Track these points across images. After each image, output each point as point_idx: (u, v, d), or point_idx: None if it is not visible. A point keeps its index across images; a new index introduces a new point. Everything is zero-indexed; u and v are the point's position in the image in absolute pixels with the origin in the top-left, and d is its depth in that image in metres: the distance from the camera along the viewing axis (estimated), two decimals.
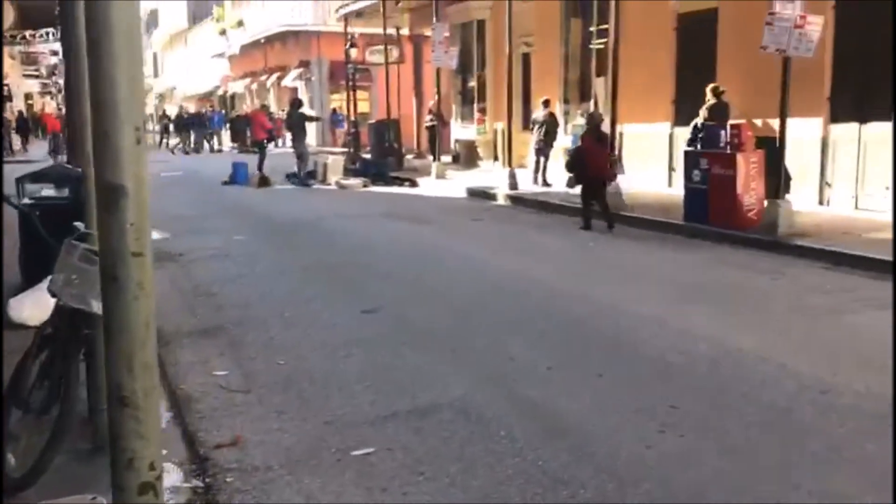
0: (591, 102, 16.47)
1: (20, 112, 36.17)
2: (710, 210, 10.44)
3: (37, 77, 42.83)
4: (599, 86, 16.18)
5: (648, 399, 4.71)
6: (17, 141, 31.72)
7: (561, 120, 17.03)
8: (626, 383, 5.03)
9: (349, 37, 23.91)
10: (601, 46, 15.76)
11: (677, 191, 12.43)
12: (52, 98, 40.65)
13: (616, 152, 13.35)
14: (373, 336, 6.13)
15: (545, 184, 15.59)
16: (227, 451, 4.14)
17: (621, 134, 14.21)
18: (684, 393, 4.82)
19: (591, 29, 16.37)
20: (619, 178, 12.42)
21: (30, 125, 32.00)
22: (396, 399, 4.79)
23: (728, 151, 10.44)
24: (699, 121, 12.08)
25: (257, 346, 5.97)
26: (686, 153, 11.53)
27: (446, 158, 20.97)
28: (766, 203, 10.14)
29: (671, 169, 14.41)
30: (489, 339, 6.03)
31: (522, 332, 6.16)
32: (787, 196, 10.07)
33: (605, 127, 13.37)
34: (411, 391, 4.90)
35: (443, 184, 17.79)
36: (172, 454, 4.06)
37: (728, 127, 10.74)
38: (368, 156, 21.42)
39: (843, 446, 4.09)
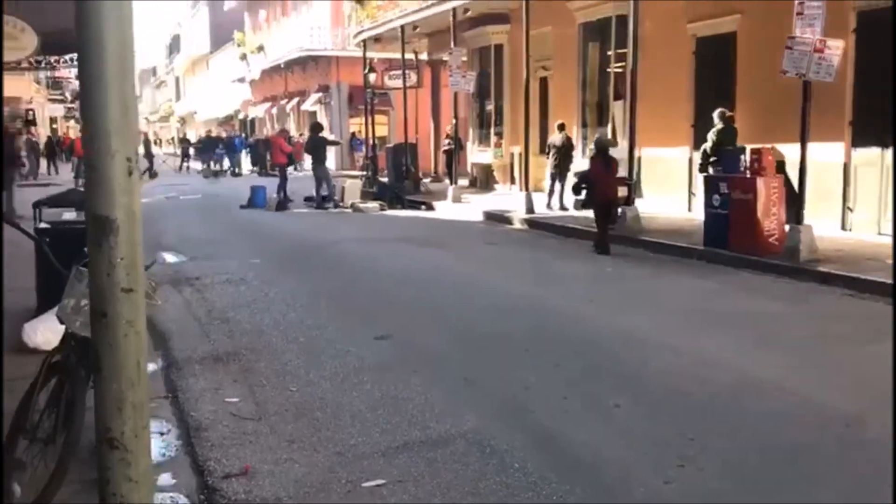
0: (609, 126, 16.42)
1: (49, 136, 36.57)
2: (730, 235, 10.31)
3: (62, 101, 43.46)
4: (617, 109, 16.12)
5: (666, 431, 4.59)
6: (44, 164, 32.04)
7: (579, 144, 16.98)
8: (643, 414, 4.91)
9: (368, 62, 24.06)
10: (619, 70, 15.72)
11: (697, 215, 12.32)
12: (76, 122, 41.19)
13: (633, 176, 13.26)
14: (385, 363, 6.05)
15: (562, 208, 15.51)
16: (237, 481, 4.06)
17: (639, 158, 14.12)
18: (703, 425, 4.70)
19: (609, 53, 16.34)
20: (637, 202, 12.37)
21: (55, 149, 32.32)
22: (408, 429, 4.70)
23: (748, 176, 10.32)
24: (708, 146, 12.02)
25: (270, 372, 5.91)
26: (706, 178, 11.43)
27: (463, 182, 20.96)
28: (787, 228, 10.00)
29: (690, 193, 14.29)
30: (503, 367, 5.93)
31: (537, 361, 6.06)
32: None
33: (623, 151, 13.33)
34: (423, 421, 4.81)
35: (459, 207, 17.76)
36: (181, 484, 4.00)
37: (748, 151, 10.64)
38: (386, 179, 21.46)
39: (870, 483, 3.94)
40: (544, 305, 8.01)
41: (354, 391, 5.41)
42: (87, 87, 1.42)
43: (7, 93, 25.33)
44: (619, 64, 15.63)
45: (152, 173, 32.12)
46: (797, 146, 9.75)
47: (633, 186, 13.17)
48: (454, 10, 18.35)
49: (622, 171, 12.96)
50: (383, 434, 4.63)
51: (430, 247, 12.32)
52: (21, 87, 29.76)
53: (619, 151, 13.83)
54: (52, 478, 3.35)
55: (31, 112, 33.30)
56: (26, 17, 12.61)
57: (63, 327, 3.72)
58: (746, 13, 12.96)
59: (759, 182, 10.10)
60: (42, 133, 35.48)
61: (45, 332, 5.81)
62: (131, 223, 1.45)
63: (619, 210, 12.48)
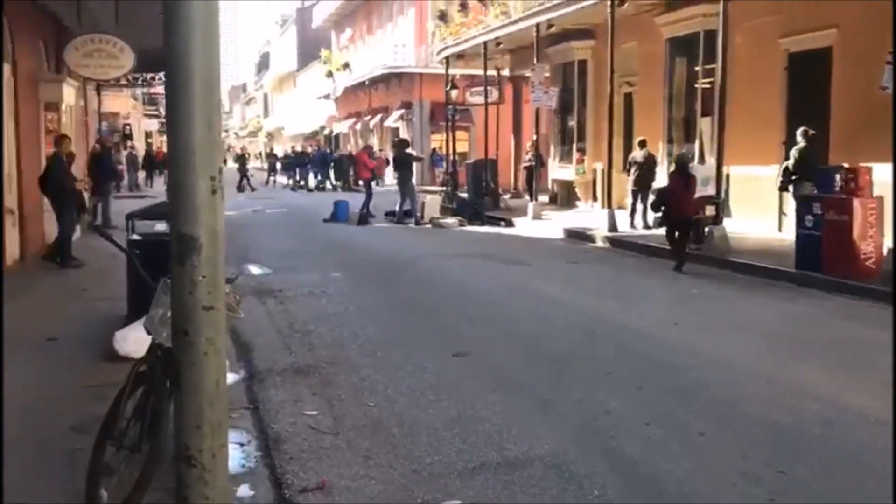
0: (696, 143, 16.04)
1: (147, 150, 38.10)
2: (823, 258, 9.88)
3: (156, 116, 45.25)
4: (705, 126, 15.73)
5: (755, 462, 4.39)
6: (141, 177, 33.31)
7: (664, 161, 16.63)
8: (730, 444, 4.71)
9: (450, 78, 24.22)
10: (707, 86, 15.34)
11: (788, 236, 11.88)
12: None
13: (721, 195, 12.89)
14: (462, 382, 6.00)
15: (646, 226, 15.20)
16: (313, 495, 4.08)
17: (727, 175, 13.72)
18: (794, 457, 4.48)
19: (697, 68, 15.98)
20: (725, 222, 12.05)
21: (152, 162, 33.65)
22: (485, 450, 4.63)
23: (844, 196, 9.89)
24: (790, 163, 11.63)
25: (348, 386, 5.94)
26: (799, 197, 11.03)
27: (543, 198, 20.81)
28: (885, 251, 9.52)
29: (781, 213, 13.78)
30: (583, 389, 5.80)
31: (619, 384, 5.91)
32: None
33: (711, 168, 13.00)
34: (500, 442, 4.74)
35: (539, 224, 17.61)
36: (259, 496, 4.03)
37: (842, 170, 10.20)
38: (465, 195, 21.49)
39: None
40: (626, 326, 7.83)
41: (431, 408, 5.38)
42: (173, 108, 1.44)
43: (107, 108, 26.51)
44: (708, 80, 15.26)
45: (251, 187, 33.09)
46: (889, 166, 9.29)
47: (721, 205, 12.80)
48: (538, 25, 18.30)
49: (710, 190, 12.64)
50: (459, 454, 4.58)
51: (510, 264, 12.24)
52: (120, 103, 31.12)
53: (707, 169, 13.49)
54: (137, 485, 3.43)
55: (128, 126, 34.76)
56: (125, 37, 13.16)
57: (150, 337, 3.81)
58: (843, 27, 12.47)
59: (856, 203, 9.66)
60: (139, 147, 36.95)
61: (134, 342, 5.99)
62: (214, 242, 1.46)
63: (706, 229, 12.16)
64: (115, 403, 3.75)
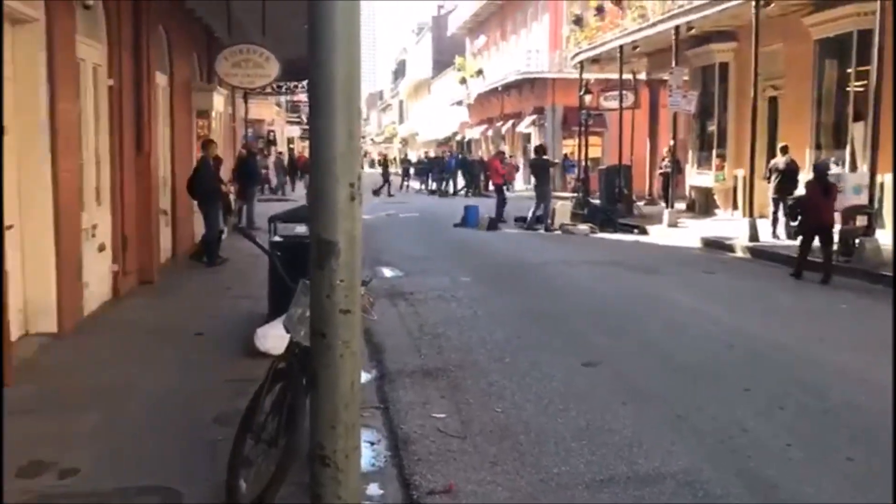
0: (847, 149, 15.10)
1: (290, 156, 39.72)
2: None
3: (298, 123, 47.15)
4: (857, 131, 14.78)
5: None
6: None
7: (810, 167, 15.75)
8: (883, 473, 4.38)
9: (584, 83, 23.92)
10: (860, 89, 14.42)
11: None
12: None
13: (874, 204, 12.07)
14: (591, 391, 5.90)
15: (790, 236, 14.41)
16: (440, 497, 4.11)
17: (881, 184, 12.83)
18: None
19: (849, 70, 15.05)
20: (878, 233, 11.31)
21: (296, 167, 35.08)
22: (614, 462, 4.53)
23: None
24: None
25: (476, 391, 5.95)
26: None
27: (680, 206, 20.16)
28: None
29: None
30: (719, 405, 5.57)
31: (757, 401, 5.63)
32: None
33: (864, 176, 12.24)
34: (630, 456, 4.61)
35: (675, 232, 17.08)
36: (388, 496, 4.10)
37: None
38: (597, 201, 21.15)
39: None
40: (767, 341, 7.45)
41: (559, 417, 5.31)
42: (316, 116, 1.48)
43: (253, 115, 27.86)
44: (861, 82, 14.34)
45: (389, 192, 33.97)
46: None
47: (874, 215, 11.99)
48: (677, 28, 17.77)
49: (862, 199, 11.89)
50: (588, 465, 4.49)
51: (642, 272, 11.93)
52: (265, 110, 32.70)
53: (859, 177, 12.69)
54: (273, 479, 3.56)
55: (272, 133, 36.42)
56: (270, 47, 13.80)
57: (289, 335, 3.96)
58: None
59: None
60: (284, 153, 38.55)
61: (274, 339, 6.24)
62: (352, 247, 1.49)
63: (856, 241, 11.44)
64: (255, 398, 3.91)
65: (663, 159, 21.50)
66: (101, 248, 8.45)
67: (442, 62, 55.00)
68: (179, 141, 12.47)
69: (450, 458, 4.63)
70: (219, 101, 15.44)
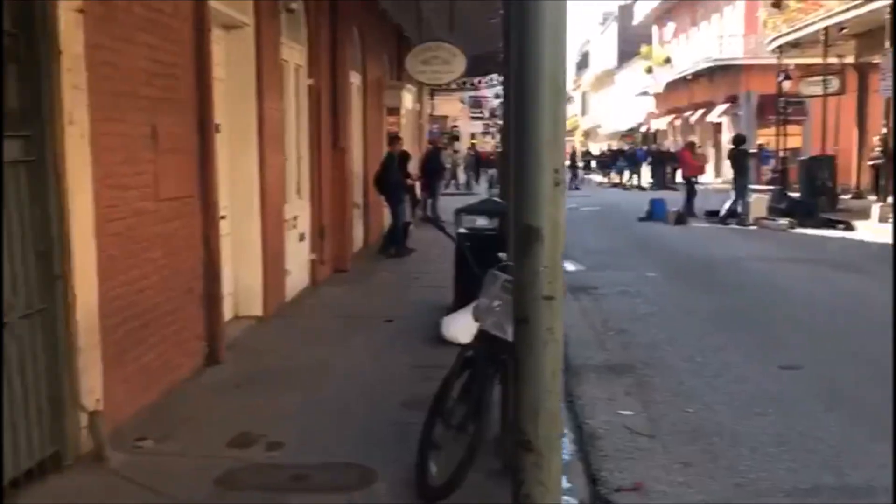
0: None
1: (475, 151, 40.30)
2: None
3: (480, 118, 47.80)
4: None
5: None
6: (463, 178, 35.20)
7: None
8: None
9: (782, 68, 22.46)
10: None
11: None
12: (491, 137, 44.97)
13: None
14: (791, 396, 5.54)
15: None
16: (628, 496, 4.03)
17: None
18: None
19: None
20: None
21: (479, 163, 35.57)
22: (819, 471, 4.23)
23: None
24: None
25: (664, 390, 5.77)
26: None
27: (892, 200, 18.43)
28: None
29: None
30: None
31: None
32: None
33: None
34: (837, 465, 4.29)
35: (886, 228, 15.65)
36: (575, 490, 4.06)
37: None
38: (797, 195, 19.81)
39: None
40: None
41: (755, 421, 5.04)
42: (521, 104, 1.48)
43: (438, 112, 28.61)
44: None
45: (576, 185, 33.83)
46: None
47: None
48: (894, 5, 16.25)
49: None
50: (789, 472, 4.23)
51: (846, 271, 11.05)
52: (449, 106, 33.44)
53: None
54: (462, 464, 3.64)
55: (455, 128, 37.17)
56: (457, 43, 14.08)
57: (477, 324, 4.02)
58: None
59: None
60: (472, 148, 39.13)
61: (459, 328, 6.36)
62: (555, 233, 1.48)
63: None
64: (444, 384, 4.01)
65: (874, 149, 19.75)
66: (301, 238, 8.99)
67: (627, 52, 53.70)
68: (371, 137, 13.02)
69: (638, 457, 4.52)
70: (407, 98, 15.96)
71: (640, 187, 33.53)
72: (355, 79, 11.90)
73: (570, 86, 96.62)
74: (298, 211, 8.87)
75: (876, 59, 18.89)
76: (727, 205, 18.07)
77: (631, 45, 52.37)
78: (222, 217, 6.44)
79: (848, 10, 18.32)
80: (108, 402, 4.28)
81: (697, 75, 37.03)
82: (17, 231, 3.73)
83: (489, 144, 44.01)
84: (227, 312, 6.86)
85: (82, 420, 4.10)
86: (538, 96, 1.45)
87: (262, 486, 3.92)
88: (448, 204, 13.70)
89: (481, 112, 45.93)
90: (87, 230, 4.17)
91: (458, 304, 6.86)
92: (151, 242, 5.05)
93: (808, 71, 23.96)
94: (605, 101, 64.35)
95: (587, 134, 75.69)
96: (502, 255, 4.17)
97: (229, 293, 7.05)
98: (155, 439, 4.43)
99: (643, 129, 50.89)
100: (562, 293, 1.52)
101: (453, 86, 22.26)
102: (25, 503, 3.63)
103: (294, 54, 8.76)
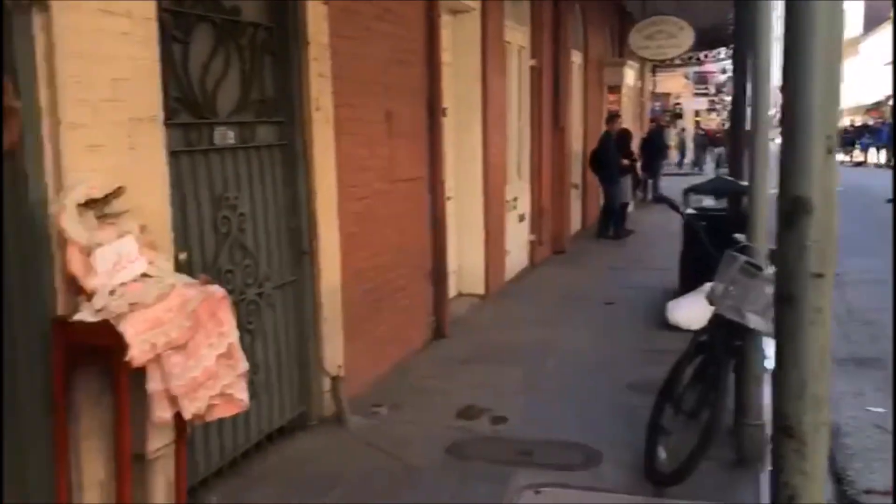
0: None
1: (699, 130, 38.48)
2: None
3: (705, 95, 45.52)
4: None
5: None
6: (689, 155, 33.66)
7: None
8: None
9: None
10: None
11: None
12: (717, 115, 42.73)
13: None
14: None
15: None
16: (879, 498, 3.69)
17: None
18: None
19: None
20: None
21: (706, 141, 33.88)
22: None
23: None
24: None
25: None
26: None
27: None
28: None
29: None
30: None
31: None
32: None
33: None
34: None
35: None
36: None
37: None
38: None
39: None
40: None
41: None
42: (792, 67, 1.38)
43: (660, 89, 27.60)
44: None
45: None
46: None
47: None
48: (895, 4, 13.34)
49: None
50: None
51: None
52: (672, 83, 32.13)
53: None
54: (694, 451, 3.49)
55: (678, 106, 35.67)
56: (684, 17, 13.47)
57: (710, 308, 3.84)
58: None
59: None
60: (689, 126, 37.39)
61: (685, 312, 6.15)
62: (828, 205, 1.37)
63: None
64: (676, 369, 3.87)
65: None
66: (521, 219, 9.08)
67: (876, 17, 48.69)
68: (591, 116, 12.84)
69: (889, 458, 4.11)
70: (629, 75, 15.55)
71: (889, 166, 30.36)
72: (576, 57, 11.76)
73: None
74: (518, 192, 8.95)
75: None
76: None
77: (879, 9, 47.40)
78: (448, 198, 6.64)
79: None
80: (347, 370, 4.59)
81: None
82: (273, 209, 4.07)
83: (714, 122, 42.00)
84: (451, 290, 7.09)
85: (325, 385, 4.43)
86: (809, 59, 1.34)
87: (489, 457, 4.02)
88: (671, 185, 13.22)
89: (706, 88, 43.77)
90: (331, 209, 4.47)
91: (685, 288, 6.62)
92: (386, 221, 5.32)
93: None
94: (848, 72, 58.89)
95: None
96: (739, 235, 3.95)
97: (453, 271, 7.27)
98: (388, 407, 4.69)
99: (891, 102, 45.96)
100: (833, 270, 1.41)
101: (677, 61, 21.37)
102: (279, 456, 3.99)
103: (517, 35, 8.81)
